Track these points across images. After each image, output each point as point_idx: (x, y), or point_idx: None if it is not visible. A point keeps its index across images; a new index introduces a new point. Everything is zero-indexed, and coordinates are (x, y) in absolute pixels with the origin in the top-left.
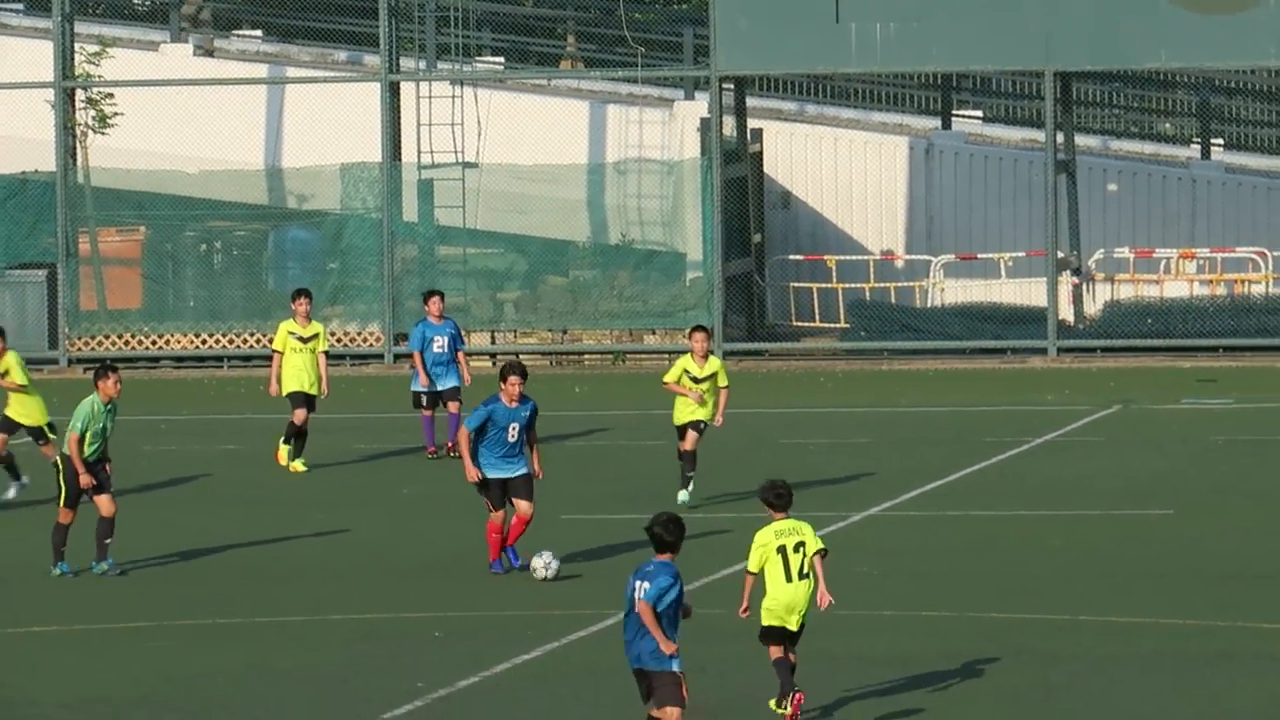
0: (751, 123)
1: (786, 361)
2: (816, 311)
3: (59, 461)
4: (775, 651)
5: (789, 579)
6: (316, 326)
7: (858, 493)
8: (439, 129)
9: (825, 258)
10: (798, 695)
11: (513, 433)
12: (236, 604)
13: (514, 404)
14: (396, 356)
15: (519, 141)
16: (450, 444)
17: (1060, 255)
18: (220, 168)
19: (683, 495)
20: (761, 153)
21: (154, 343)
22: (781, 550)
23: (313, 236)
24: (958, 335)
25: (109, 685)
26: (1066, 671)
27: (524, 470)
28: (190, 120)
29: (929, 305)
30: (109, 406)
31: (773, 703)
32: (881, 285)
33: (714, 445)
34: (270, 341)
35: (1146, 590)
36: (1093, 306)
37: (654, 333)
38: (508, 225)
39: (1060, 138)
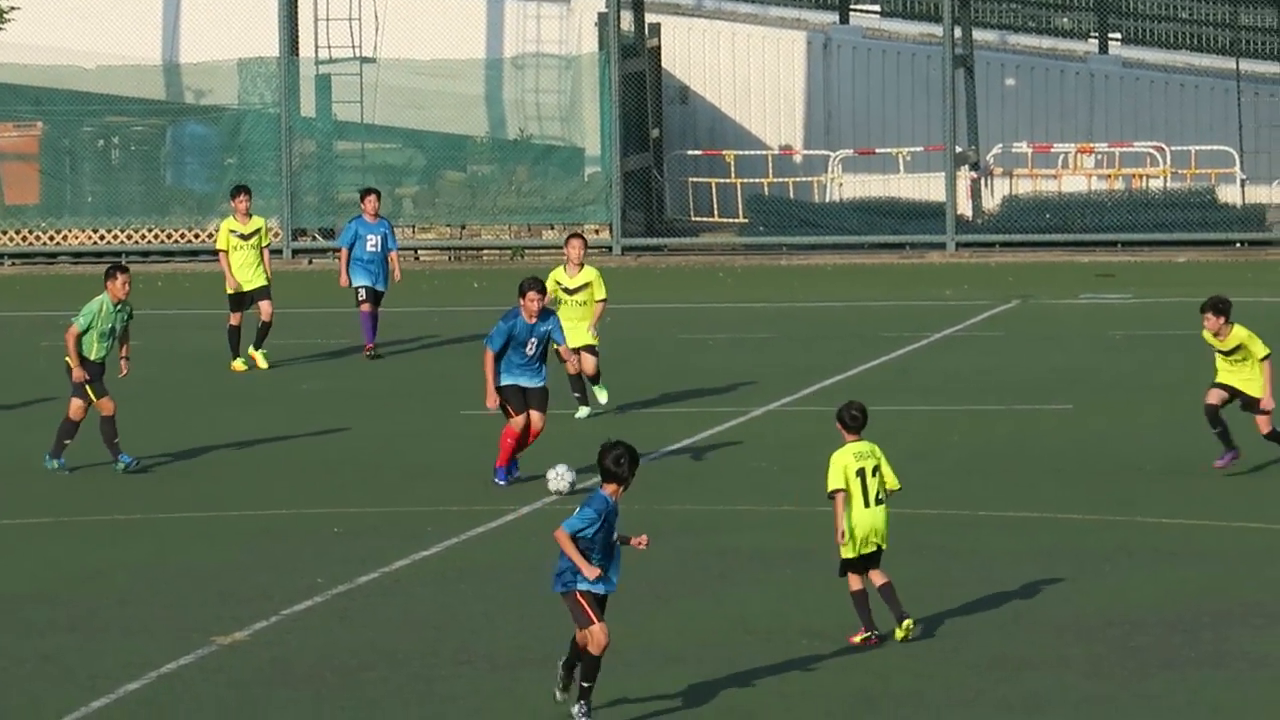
0: (649, 17)
1: (685, 257)
2: (715, 207)
3: (69, 362)
4: (855, 583)
5: (867, 504)
6: (258, 222)
7: (757, 388)
8: (336, 24)
9: (723, 153)
10: (874, 638)
11: (531, 347)
12: (137, 501)
13: (534, 319)
14: (295, 252)
15: (417, 36)
16: (370, 345)
17: (958, 150)
18: (118, 63)
19: (584, 410)
20: (659, 48)
21: (51, 238)
22: (860, 474)
23: (210, 132)
24: (856, 230)
25: (2, 581)
26: (965, 566)
27: (542, 383)
28: (87, 15)
29: (827, 200)
30: (119, 307)
31: (857, 638)
32: (780, 180)
33: (612, 342)
34: (211, 238)
35: (1045, 486)
36: (991, 201)
37: (552, 228)
38: (406, 120)
39: (958, 32)
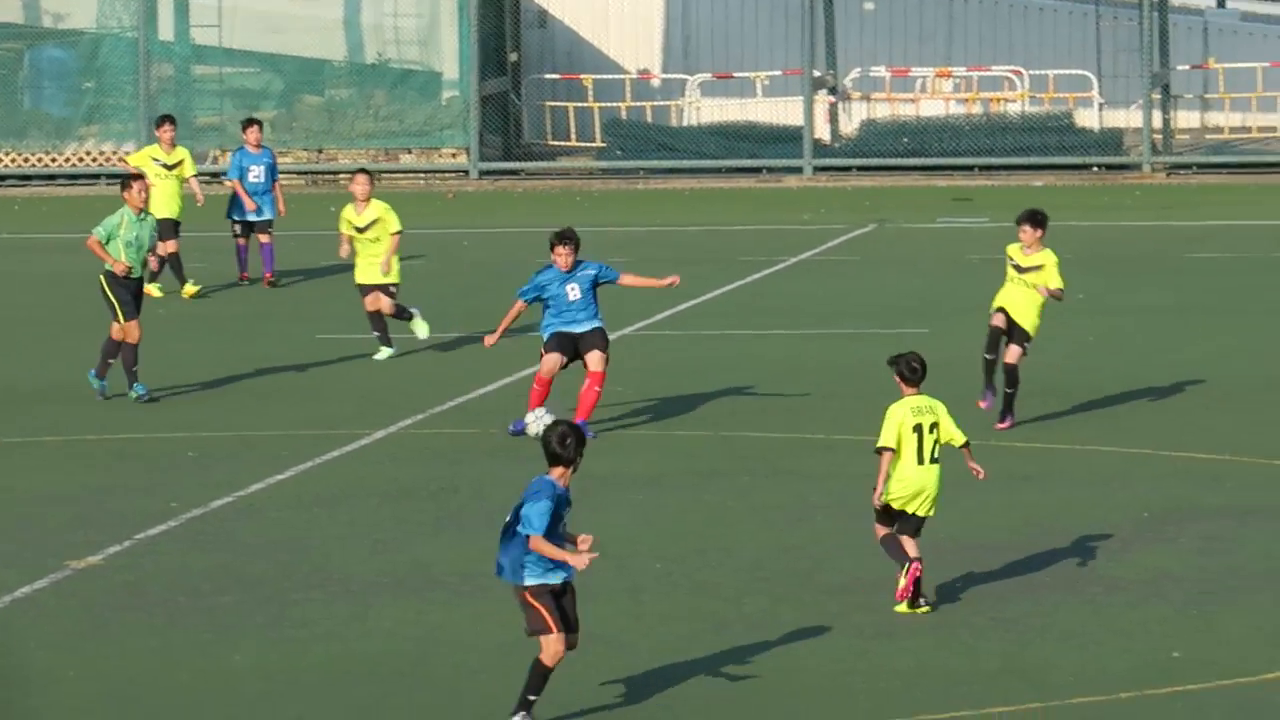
0: None
1: (542, 181)
2: (573, 131)
3: (101, 281)
4: (882, 530)
5: (920, 461)
6: (181, 153)
7: (612, 312)
8: None
9: (581, 77)
10: (914, 565)
11: (573, 292)
12: None
13: (567, 270)
14: None
15: None
16: (269, 274)
17: (817, 74)
18: None
19: (385, 352)
20: None
21: None
22: (917, 430)
23: (68, 56)
24: (713, 154)
25: None
26: (822, 490)
27: (594, 325)
28: None
29: (685, 124)
30: (141, 217)
31: (901, 580)
32: (638, 104)
33: (465, 266)
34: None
35: None
36: (849, 126)
37: (410, 152)
38: (264, 44)
39: None
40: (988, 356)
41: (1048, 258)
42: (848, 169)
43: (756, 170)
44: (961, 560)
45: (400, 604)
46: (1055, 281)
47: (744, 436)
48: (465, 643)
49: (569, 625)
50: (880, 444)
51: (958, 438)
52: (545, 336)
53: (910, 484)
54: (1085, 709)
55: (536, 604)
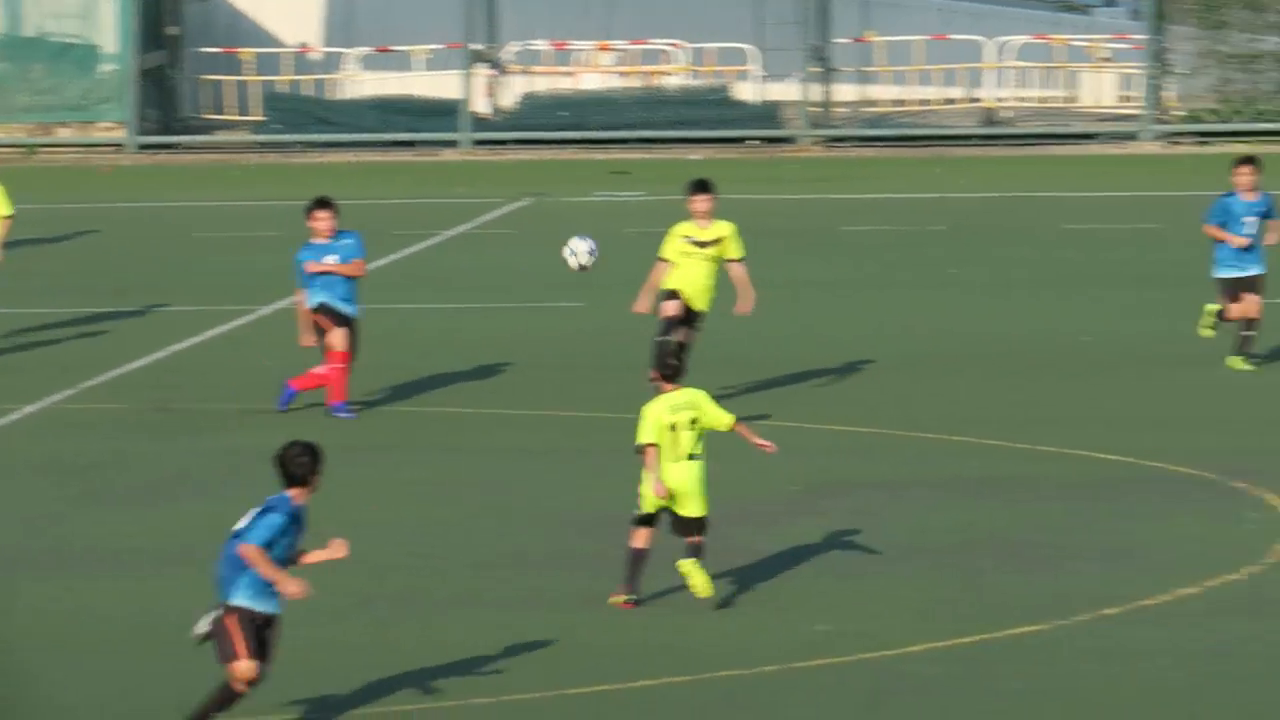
0: None
1: (200, 155)
2: (233, 104)
3: None
4: (639, 540)
5: (676, 459)
6: None
7: (265, 288)
8: None
9: (241, 51)
10: (631, 603)
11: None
12: None
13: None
14: None
15: None
16: None
17: (476, 47)
18: None
19: None
20: None
21: None
22: (672, 429)
23: None
24: (372, 128)
25: None
26: (472, 464)
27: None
28: None
29: (345, 98)
30: None
31: (620, 598)
32: (298, 78)
33: (122, 241)
34: None
35: (554, 383)
36: (509, 99)
37: (67, 126)
38: None
39: None
40: (661, 340)
41: (726, 228)
42: (505, 143)
43: (414, 144)
44: (611, 531)
45: (46, 580)
46: (738, 251)
47: (395, 410)
48: (110, 617)
49: (264, 655)
50: (640, 441)
51: (723, 421)
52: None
53: (667, 483)
54: (731, 682)
55: (233, 628)
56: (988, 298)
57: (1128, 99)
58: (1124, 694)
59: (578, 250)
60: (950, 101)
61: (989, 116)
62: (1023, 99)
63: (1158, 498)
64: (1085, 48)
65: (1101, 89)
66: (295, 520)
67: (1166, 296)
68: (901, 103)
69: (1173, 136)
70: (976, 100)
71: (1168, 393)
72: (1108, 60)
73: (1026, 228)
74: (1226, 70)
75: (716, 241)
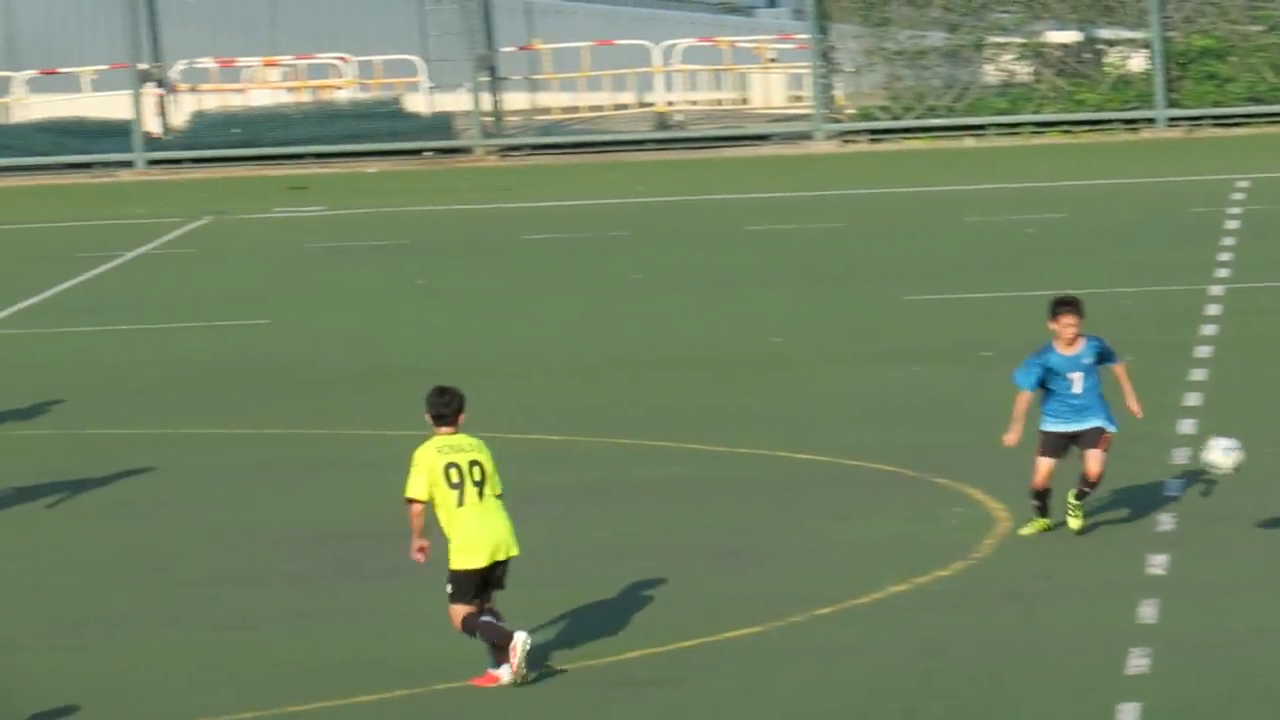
0: None
1: None
2: None
3: None
4: (461, 611)
5: (462, 504)
6: None
7: None
8: None
9: None
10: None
11: None
12: None
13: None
14: None
15: None
16: None
17: (143, 67)
18: None
19: None
20: None
21: None
22: (453, 468)
23: None
24: (44, 151)
25: None
26: (170, 484)
27: None
28: None
29: (13, 122)
30: None
31: (503, 673)
32: None
33: None
34: None
35: (246, 401)
36: (179, 117)
37: None
38: None
39: None
40: None
41: None
42: (180, 161)
43: (88, 166)
44: (315, 549)
45: None
46: None
47: (89, 434)
48: None
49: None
50: (408, 494)
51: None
52: None
53: (474, 534)
54: (452, 695)
55: None
56: (674, 301)
57: (799, 99)
58: (844, 692)
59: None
60: (622, 107)
61: (662, 120)
62: (694, 102)
63: (861, 496)
64: (752, 49)
65: (771, 90)
66: None
67: (852, 294)
68: (574, 109)
69: (846, 135)
70: (648, 105)
71: (861, 390)
72: (774, 61)
73: (708, 230)
74: (894, 67)
75: None
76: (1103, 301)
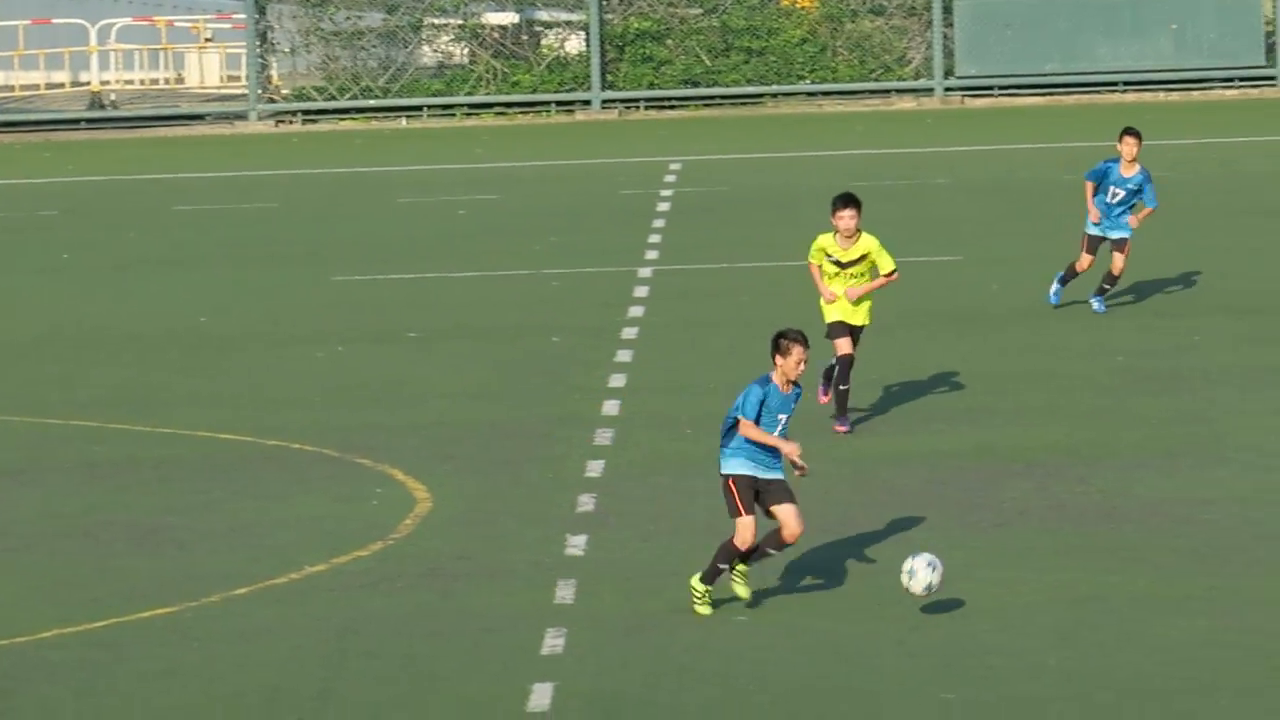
0: None
1: None
2: None
3: None
4: None
5: None
6: None
7: None
8: None
9: None
10: None
11: None
12: None
13: None
14: None
15: None
16: None
17: None
18: None
19: None
20: None
21: None
22: None
23: None
24: None
25: None
26: None
27: None
28: None
29: None
30: None
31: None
32: None
33: None
34: None
35: None
36: None
37: None
38: None
39: None
40: None
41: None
42: None
43: None
44: None
45: None
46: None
47: None
48: None
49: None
50: None
51: None
52: None
53: None
54: None
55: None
56: (102, 281)
57: (234, 79)
58: (259, 673)
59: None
60: (57, 86)
61: (96, 100)
62: (129, 82)
63: (284, 477)
64: (190, 28)
65: (208, 70)
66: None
67: (281, 275)
68: (10, 88)
69: (280, 116)
70: (83, 84)
71: (287, 371)
72: (210, 41)
73: (140, 210)
74: (330, 48)
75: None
76: (533, 283)
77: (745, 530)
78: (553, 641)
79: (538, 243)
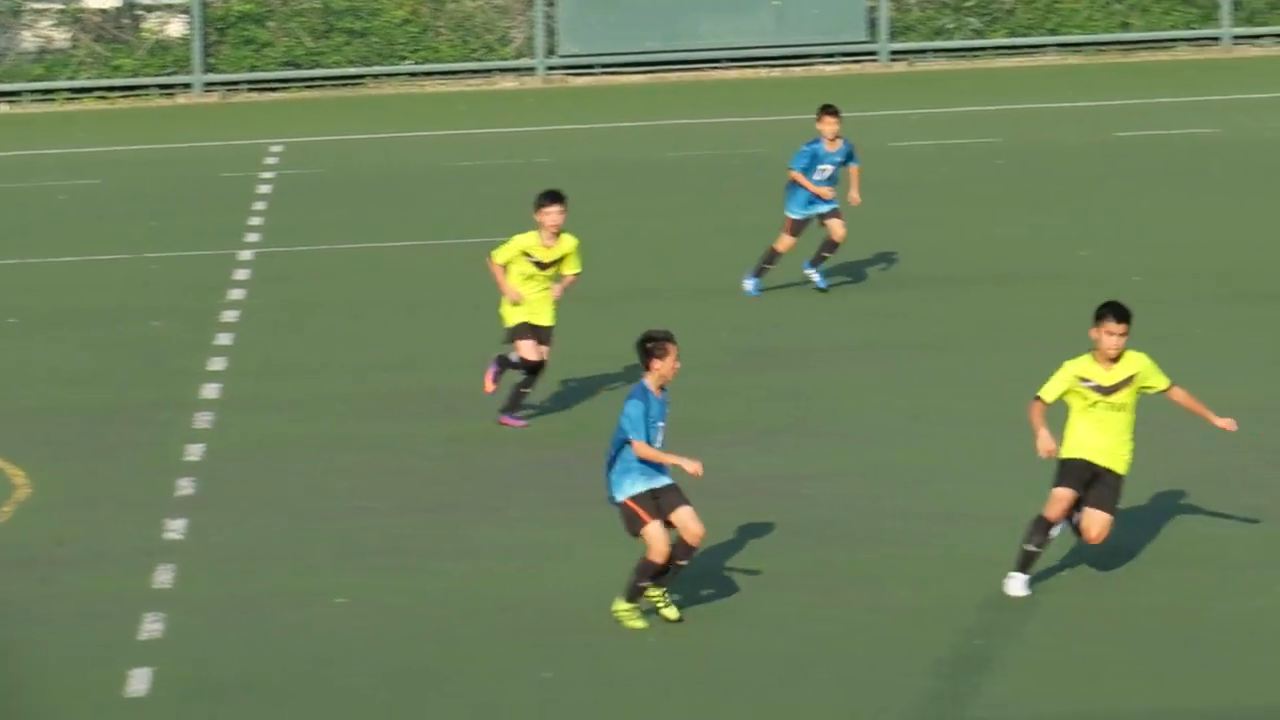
0: None
1: None
2: None
3: None
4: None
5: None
6: None
7: None
8: None
9: None
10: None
11: None
12: None
13: None
14: None
15: None
16: None
17: None
18: None
19: None
20: None
21: None
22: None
23: None
24: None
25: None
26: None
27: None
28: None
29: None
30: None
31: None
32: None
33: None
34: None
35: None
36: None
37: None
38: None
39: None
40: None
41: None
42: None
43: None
44: None
45: None
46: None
47: None
48: None
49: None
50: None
51: None
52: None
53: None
54: None
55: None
56: None
57: None
58: None
59: None
60: None
61: None
62: None
63: None
64: None
65: None
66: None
67: None
68: None
69: None
70: None
71: None
72: None
73: None
74: None
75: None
76: (134, 268)
77: (656, 539)
78: (151, 626)
79: (138, 227)
